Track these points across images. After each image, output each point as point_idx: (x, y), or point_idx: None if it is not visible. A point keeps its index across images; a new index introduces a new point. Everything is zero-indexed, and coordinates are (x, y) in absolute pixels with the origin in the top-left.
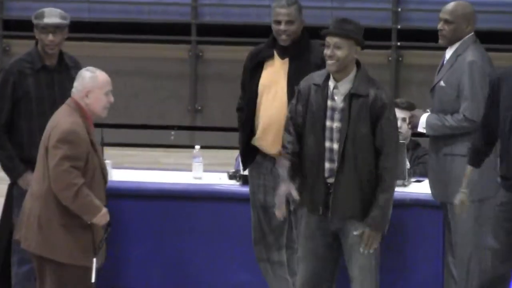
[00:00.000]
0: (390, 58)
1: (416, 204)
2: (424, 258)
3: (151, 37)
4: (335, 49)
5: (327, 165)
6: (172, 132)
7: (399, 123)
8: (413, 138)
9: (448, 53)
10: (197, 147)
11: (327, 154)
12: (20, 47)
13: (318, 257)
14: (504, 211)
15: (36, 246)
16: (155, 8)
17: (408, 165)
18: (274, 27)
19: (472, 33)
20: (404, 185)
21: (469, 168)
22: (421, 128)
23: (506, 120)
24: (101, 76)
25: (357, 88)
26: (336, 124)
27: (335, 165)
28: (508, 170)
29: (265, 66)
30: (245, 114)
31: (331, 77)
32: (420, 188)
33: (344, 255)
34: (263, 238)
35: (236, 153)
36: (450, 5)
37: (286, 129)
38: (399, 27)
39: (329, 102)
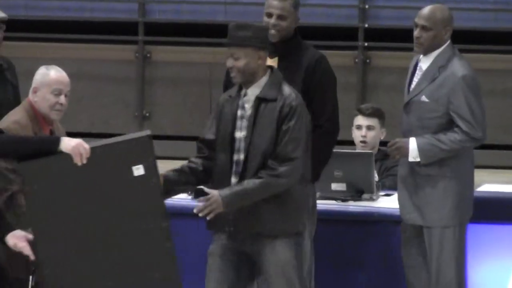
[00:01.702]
0: (356, 60)
1: (384, 219)
2: (392, 275)
3: (94, 36)
4: (233, 60)
5: (233, 179)
6: None
7: (363, 131)
8: (381, 148)
9: (425, 62)
10: None
11: (234, 168)
12: None
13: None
14: None
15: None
16: (98, 5)
17: (376, 177)
18: (265, 19)
19: (449, 41)
20: (372, 199)
21: None
22: (412, 158)
23: None
24: (54, 74)
25: (265, 93)
26: (243, 133)
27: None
28: None
29: None
30: None
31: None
32: (390, 203)
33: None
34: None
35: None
36: (428, 10)
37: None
38: (366, 26)
39: (239, 112)
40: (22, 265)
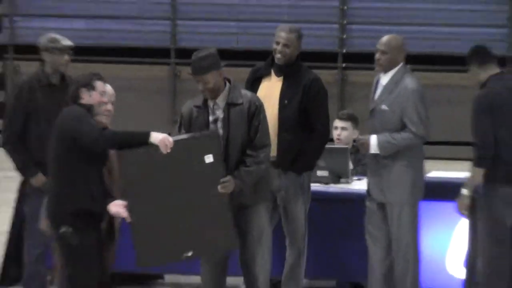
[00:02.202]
0: (336, 77)
1: (358, 198)
2: (361, 241)
3: (137, 59)
4: (203, 84)
5: None
6: None
7: (338, 131)
8: (354, 144)
9: (384, 79)
10: None
11: None
12: (27, 67)
13: None
14: None
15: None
16: (140, 35)
17: (351, 166)
18: (274, 46)
19: (403, 62)
20: (348, 183)
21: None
22: (373, 150)
23: None
24: (101, 86)
25: (232, 99)
26: (220, 132)
27: None
28: None
29: (262, 82)
30: None
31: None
32: (361, 185)
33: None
34: None
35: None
36: (385, 38)
37: None
38: (344, 51)
39: (211, 117)
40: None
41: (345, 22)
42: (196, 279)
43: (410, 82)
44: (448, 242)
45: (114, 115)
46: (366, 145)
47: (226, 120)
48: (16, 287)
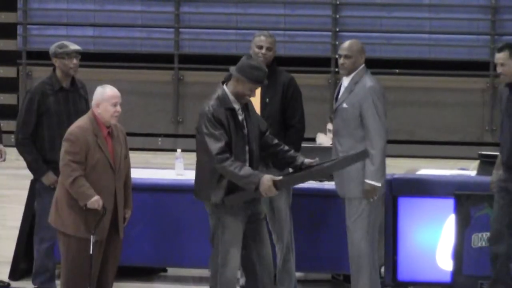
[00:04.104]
0: (329, 81)
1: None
2: (338, 235)
3: (143, 64)
4: (253, 92)
5: (247, 164)
6: (159, 139)
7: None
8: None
9: (346, 81)
10: (179, 150)
11: (247, 156)
12: (39, 73)
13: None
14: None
15: (53, 220)
16: (146, 42)
17: None
18: (256, 50)
19: (363, 64)
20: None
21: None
22: (376, 183)
23: None
24: (110, 91)
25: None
26: (245, 131)
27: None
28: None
29: None
30: None
31: (235, 101)
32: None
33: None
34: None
35: None
36: (347, 43)
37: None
38: (337, 56)
39: (240, 117)
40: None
41: (337, 29)
42: (198, 272)
43: (368, 80)
44: (438, 236)
45: (121, 116)
46: (373, 190)
47: (248, 118)
48: (26, 280)
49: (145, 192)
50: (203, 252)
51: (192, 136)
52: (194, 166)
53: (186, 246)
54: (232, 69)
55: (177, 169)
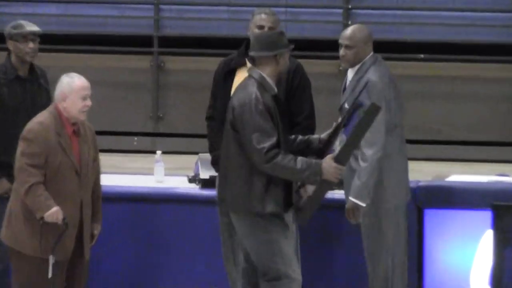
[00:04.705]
0: (340, 68)
1: None
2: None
3: (116, 48)
4: None
5: None
6: (135, 138)
7: None
8: None
9: (350, 74)
10: (159, 152)
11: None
12: None
13: None
14: None
15: (4, 236)
16: (119, 21)
17: None
18: (256, 31)
19: (372, 53)
20: None
21: None
22: (361, 202)
23: None
24: (78, 81)
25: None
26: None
27: None
28: None
29: (236, 74)
30: (219, 121)
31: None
32: None
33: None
34: (230, 239)
35: (195, 157)
36: (349, 31)
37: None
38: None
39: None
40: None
41: (349, 6)
42: None
43: (370, 76)
44: (472, 257)
45: (89, 111)
46: (355, 210)
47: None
48: None
49: (118, 203)
50: (189, 272)
51: (175, 136)
52: (177, 171)
53: (169, 266)
54: (256, 52)
55: (157, 174)
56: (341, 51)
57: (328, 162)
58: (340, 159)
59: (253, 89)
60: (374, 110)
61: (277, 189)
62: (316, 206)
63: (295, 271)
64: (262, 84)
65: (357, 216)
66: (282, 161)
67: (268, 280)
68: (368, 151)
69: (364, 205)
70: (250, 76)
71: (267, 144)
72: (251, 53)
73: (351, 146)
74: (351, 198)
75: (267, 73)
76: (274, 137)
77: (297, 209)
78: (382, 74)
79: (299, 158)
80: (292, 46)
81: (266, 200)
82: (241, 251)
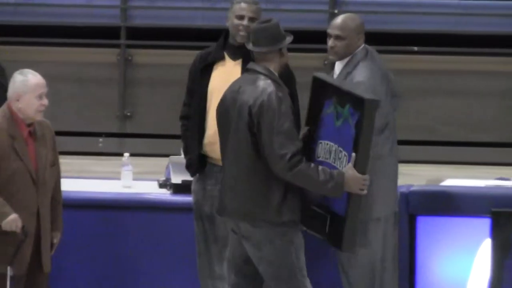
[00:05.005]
0: (326, 62)
1: None
2: None
3: (78, 40)
4: None
5: None
6: (100, 139)
7: None
8: None
9: (338, 67)
10: (126, 154)
11: None
12: None
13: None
14: None
15: None
16: (82, 11)
17: None
18: (235, 22)
19: (363, 45)
20: None
21: None
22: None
23: None
24: (33, 79)
25: None
26: None
27: None
28: None
29: (214, 68)
30: (195, 120)
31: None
32: None
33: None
34: (207, 249)
35: (166, 160)
36: (340, 20)
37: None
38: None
39: None
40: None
41: None
42: None
43: (359, 73)
44: (469, 268)
45: (51, 109)
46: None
47: None
48: None
49: (81, 210)
50: (159, 283)
51: (144, 136)
52: (146, 175)
53: (137, 277)
54: (263, 47)
55: (124, 179)
56: (330, 42)
57: (350, 173)
58: (361, 168)
59: (270, 87)
60: (372, 106)
61: (294, 199)
62: (356, 227)
63: (308, 281)
64: (276, 81)
65: None
66: (305, 169)
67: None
68: None
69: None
70: (253, 71)
71: (290, 149)
72: (257, 49)
73: (367, 150)
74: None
75: (273, 68)
76: (298, 141)
77: (328, 235)
78: (372, 71)
79: (321, 167)
80: (292, 37)
81: (283, 210)
82: (229, 266)
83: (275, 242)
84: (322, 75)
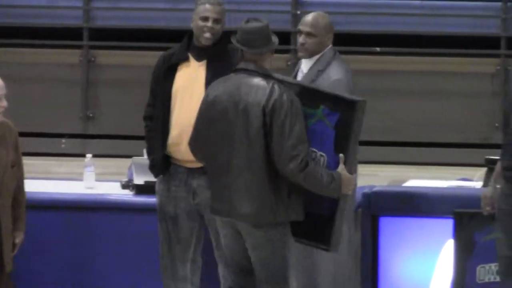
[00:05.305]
0: (289, 63)
1: None
2: None
3: (41, 41)
4: None
5: None
6: (63, 140)
7: None
8: None
9: (306, 65)
10: (89, 155)
11: None
12: None
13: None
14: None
15: None
16: (45, 12)
17: None
18: (199, 23)
19: (331, 45)
20: None
21: None
22: None
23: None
24: None
25: None
26: None
27: None
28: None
29: (178, 69)
30: (159, 121)
31: None
32: None
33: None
34: (170, 251)
35: (129, 161)
36: (311, 17)
37: None
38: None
39: None
40: None
41: None
42: None
43: (335, 71)
44: (431, 269)
45: (14, 110)
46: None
47: None
48: None
49: (44, 211)
50: (122, 284)
51: (107, 137)
52: (109, 176)
53: (100, 278)
54: (262, 48)
55: (87, 180)
56: (301, 39)
57: (345, 173)
58: (351, 168)
59: (278, 87)
60: (363, 107)
61: (297, 198)
62: (341, 226)
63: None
64: (280, 80)
65: None
66: (314, 171)
67: (271, 286)
68: None
69: None
70: (250, 71)
71: (302, 151)
72: (256, 50)
73: (355, 151)
74: None
75: (267, 68)
76: (306, 143)
77: (312, 237)
78: (346, 70)
79: (323, 169)
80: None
81: (290, 209)
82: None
83: (275, 244)
84: (279, 76)
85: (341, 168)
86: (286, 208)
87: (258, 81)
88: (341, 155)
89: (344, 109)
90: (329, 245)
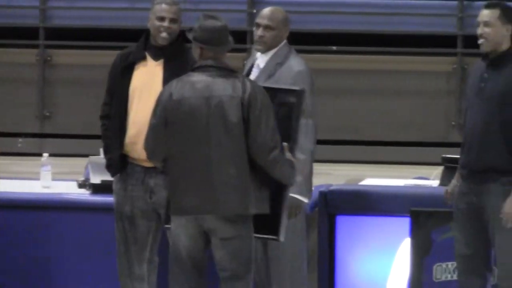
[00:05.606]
0: (245, 61)
1: None
2: None
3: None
4: None
5: None
6: (20, 140)
7: None
8: None
9: (262, 60)
10: (45, 155)
11: None
12: None
13: None
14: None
15: None
16: (1, 11)
17: None
18: (156, 23)
19: (285, 40)
20: None
21: None
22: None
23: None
24: None
25: None
26: None
27: None
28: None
29: (136, 69)
30: (116, 120)
31: None
32: None
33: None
34: (126, 250)
35: (86, 161)
36: (269, 11)
37: None
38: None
39: None
40: None
41: None
42: None
43: (296, 63)
44: (388, 267)
45: None
46: (298, 206)
47: None
48: None
49: (0, 210)
50: (78, 283)
51: (63, 136)
52: (65, 176)
53: (57, 278)
54: (229, 45)
55: (43, 179)
56: (259, 32)
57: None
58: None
59: (249, 81)
60: (303, 95)
61: (266, 190)
62: (286, 214)
63: None
64: (246, 77)
65: (298, 211)
66: (287, 161)
67: (240, 278)
68: (306, 143)
69: (306, 201)
70: (217, 68)
71: (278, 142)
72: (225, 48)
73: (297, 140)
74: (293, 195)
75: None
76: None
77: (269, 226)
78: (304, 61)
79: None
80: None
81: (259, 202)
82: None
83: (243, 236)
84: None
85: (290, 156)
86: (257, 201)
87: (227, 76)
88: (284, 144)
89: (285, 98)
90: (278, 236)
